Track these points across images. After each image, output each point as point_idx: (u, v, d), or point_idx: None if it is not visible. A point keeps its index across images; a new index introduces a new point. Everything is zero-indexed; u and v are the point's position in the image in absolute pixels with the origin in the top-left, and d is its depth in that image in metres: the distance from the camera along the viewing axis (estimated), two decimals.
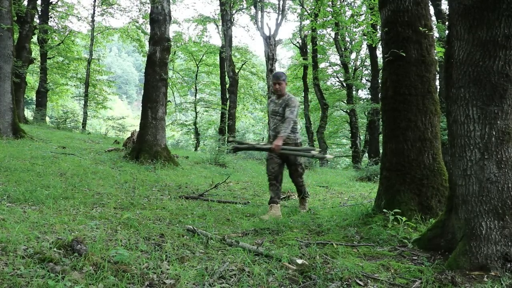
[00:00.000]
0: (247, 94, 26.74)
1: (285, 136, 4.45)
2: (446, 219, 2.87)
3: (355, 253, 3.02)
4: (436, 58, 4.60)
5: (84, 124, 20.41)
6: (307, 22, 19.94)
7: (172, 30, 30.72)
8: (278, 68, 26.70)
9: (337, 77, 24.53)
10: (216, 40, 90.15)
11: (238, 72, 21.45)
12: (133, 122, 25.41)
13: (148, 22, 10.65)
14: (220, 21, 20.88)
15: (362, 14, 12.70)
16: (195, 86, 26.83)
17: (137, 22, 20.55)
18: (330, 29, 19.05)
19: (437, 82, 8.57)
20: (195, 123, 25.12)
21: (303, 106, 22.07)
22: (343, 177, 11.16)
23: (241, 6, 20.44)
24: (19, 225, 3.03)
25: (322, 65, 23.85)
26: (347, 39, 21.16)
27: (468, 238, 2.49)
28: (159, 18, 9.11)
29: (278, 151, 4.40)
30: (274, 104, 4.74)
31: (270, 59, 18.96)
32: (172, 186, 6.37)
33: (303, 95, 22.86)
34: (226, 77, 20.48)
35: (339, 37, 20.01)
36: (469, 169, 2.54)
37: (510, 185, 2.44)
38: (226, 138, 17.72)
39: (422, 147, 3.79)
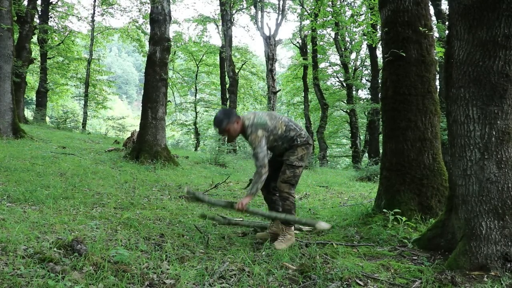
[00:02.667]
0: (247, 94, 26.73)
1: (254, 195, 3.29)
2: (446, 219, 2.87)
3: (355, 253, 3.02)
4: (436, 58, 4.60)
5: (84, 124, 20.41)
6: (307, 22, 19.94)
7: (172, 30, 30.67)
8: (278, 68, 26.68)
9: (337, 77, 24.52)
10: (216, 40, 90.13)
11: (238, 72, 21.44)
12: (133, 122, 25.40)
13: (148, 22, 10.65)
14: (220, 21, 20.88)
15: (362, 14, 12.71)
16: (195, 86, 26.83)
17: (137, 22, 20.52)
18: (330, 29, 19.06)
19: (437, 82, 8.56)
20: (195, 123, 25.13)
21: (303, 106, 22.03)
22: (343, 177, 11.16)
23: (241, 6, 20.45)
24: (19, 225, 3.03)
25: (322, 65, 23.84)
26: (347, 39, 21.15)
27: (468, 238, 2.49)
28: (159, 18, 9.11)
29: (242, 211, 3.34)
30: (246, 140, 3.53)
31: (270, 59, 18.97)
32: (172, 186, 6.37)
33: (303, 95, 22.87)
34: (226, 77, 20.47)
35: (339, 37, 20.00)
36: (469, 169, 2.54)
37: (510, 185, 2.44)
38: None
39: (422, 147, 3.79)
